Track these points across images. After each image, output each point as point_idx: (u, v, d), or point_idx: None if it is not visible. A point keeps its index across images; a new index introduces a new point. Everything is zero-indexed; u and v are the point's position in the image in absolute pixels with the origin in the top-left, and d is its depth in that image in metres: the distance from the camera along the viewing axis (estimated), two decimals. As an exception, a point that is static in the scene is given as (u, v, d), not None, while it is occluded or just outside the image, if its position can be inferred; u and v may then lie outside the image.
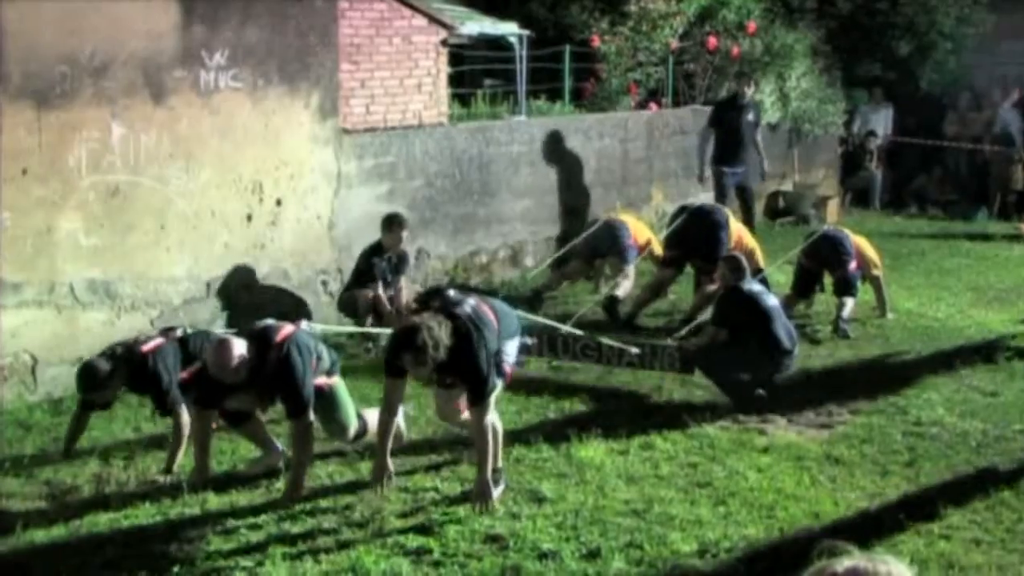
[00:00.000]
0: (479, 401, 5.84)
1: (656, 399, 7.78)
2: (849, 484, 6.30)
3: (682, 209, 10.17)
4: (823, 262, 9.62)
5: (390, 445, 6.12)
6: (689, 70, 14.12)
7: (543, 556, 5.35)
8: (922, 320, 9.93)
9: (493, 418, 6.07)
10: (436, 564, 5.30)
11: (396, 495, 6.09)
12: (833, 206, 15.50)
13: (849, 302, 9.40)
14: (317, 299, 9.08)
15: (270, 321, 6.35)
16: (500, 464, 6.17)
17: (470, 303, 5.96)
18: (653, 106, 13.30)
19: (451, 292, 6.15)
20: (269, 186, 8.86)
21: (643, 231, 10.34)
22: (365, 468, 6.46)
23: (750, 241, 9.98)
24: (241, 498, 6.09)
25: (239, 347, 5.94)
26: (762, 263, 9.84)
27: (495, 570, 5.23)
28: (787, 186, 15.27)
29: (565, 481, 6.29)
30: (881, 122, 17.29)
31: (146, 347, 6.51)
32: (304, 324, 6.56)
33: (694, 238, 9.59)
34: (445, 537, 5.56)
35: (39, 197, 7.49)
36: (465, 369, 5.82)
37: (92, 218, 7.78)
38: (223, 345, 5.97)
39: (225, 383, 6.03)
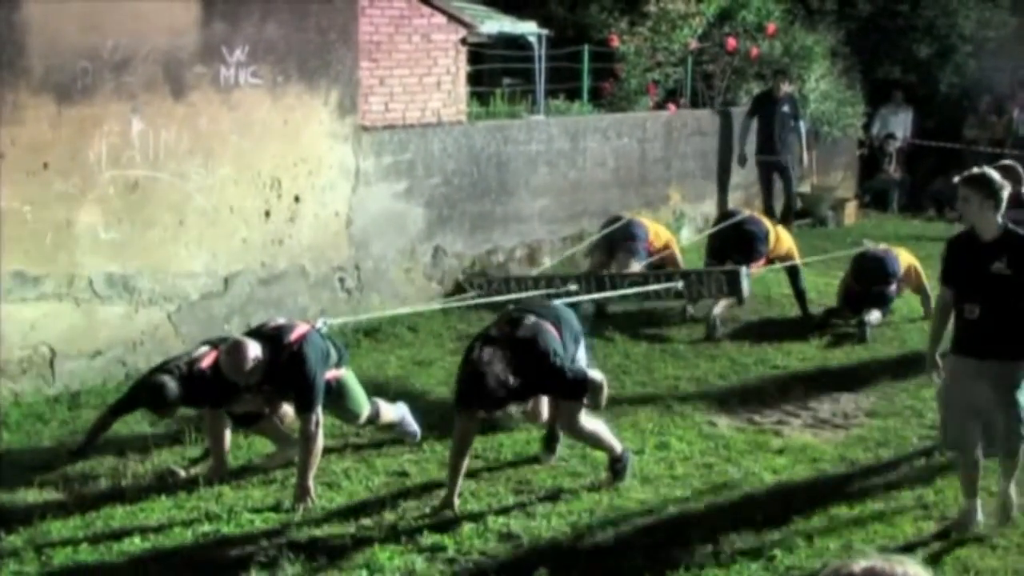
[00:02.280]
0: (576, 397, 5.98)
1: (671, 399, 7.77)
2: (864, 486, 6.28)
3: (724, 216, 10.38)
4: (870, 282, 9.49)
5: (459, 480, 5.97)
6: (708, 71, 14.09)
7: (558, 555, 5.35)
8: (940, 323, 9.85)
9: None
10: (450, 562, 5.32)
11: (411, 491, 6.11)
12: (851, 208, 15.44)
13: (876, 312, 9.37)
14: (334, 295, 9.09)
15: (283, 320, 6.35)
16: (618, 451, 6.29)
17: (528, 322, 5.96)
18: (671, 107, 13.28)
19: (513, 310, 6.27)
20: (288, 182, 8.88)
21: (662, 235, 10.31)
22: (381, 464, 6.49)
23: (787, 242, 10.14)
24: (256, 492, 6.12)
25: (254, 349, 5.91)
26: (798, 259, 10.10)
27: (509, 569, 5.23)
28: (805, 188, 15.22)
29: (580, 480, 6.30)
30: (900, 125, 17.19)
31: (204, 363, 6.37)
32: (319, 323, 6.55)
33: (731, 249, 9.73)
34: (460, 535, 5.57)
35: (59, 191, 7.53)
36: (546, 381, 5.90)
37: (111, 212, 7.81)
38: (238, 348, 5.92)
39: (239, 384, 6.04)
